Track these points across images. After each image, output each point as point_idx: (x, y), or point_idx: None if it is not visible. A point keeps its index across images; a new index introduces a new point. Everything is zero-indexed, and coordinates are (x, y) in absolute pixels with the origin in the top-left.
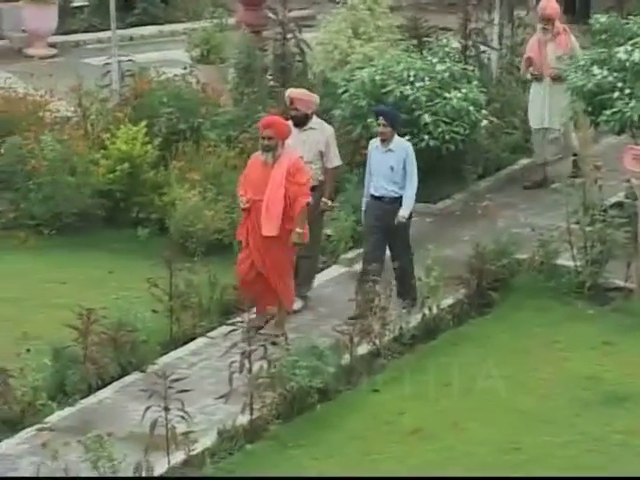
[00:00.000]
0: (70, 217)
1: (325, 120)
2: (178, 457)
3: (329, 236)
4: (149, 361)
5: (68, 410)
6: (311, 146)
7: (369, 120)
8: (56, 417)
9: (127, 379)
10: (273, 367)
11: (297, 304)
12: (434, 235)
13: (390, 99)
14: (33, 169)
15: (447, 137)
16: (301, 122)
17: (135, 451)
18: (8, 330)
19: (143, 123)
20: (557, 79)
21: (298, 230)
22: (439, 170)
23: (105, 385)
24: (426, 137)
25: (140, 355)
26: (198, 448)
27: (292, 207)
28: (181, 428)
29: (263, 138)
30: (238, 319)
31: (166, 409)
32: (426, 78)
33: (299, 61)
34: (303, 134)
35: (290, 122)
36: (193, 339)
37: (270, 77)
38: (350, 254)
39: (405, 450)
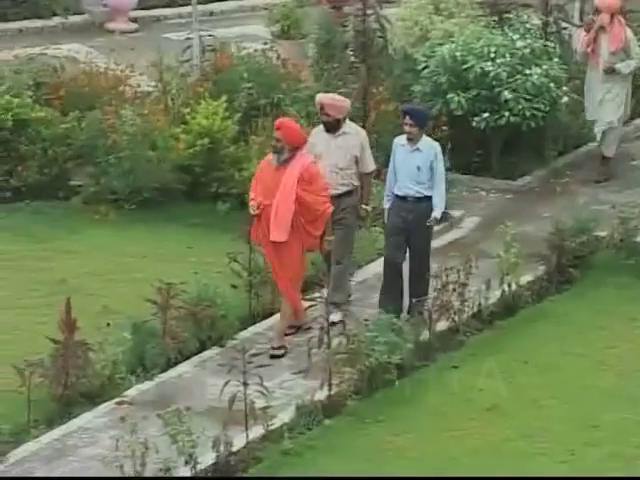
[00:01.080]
0: (150, 192)
1: (405, 97)
2: (256, 432)
3: None
4: (228, 336)
5: (147, 384)
6: (346, 151)
7: (449, 96)
8: (135, 391)
9: (206, 354)
10: (352, 343)
11: (335, 315)
12: (513, 212)
13: (470, 75)
14: (114, 144)
15: (527, 114)
16: (333, 127)
17: (214, 426)
18: (88, 304)
19: (223, 98)
20: (610, 72)
21: (328, 238)
22: (519, 147)
23: (184, 359)
24: (506, 114)
25: (219, 330)
26: (276, 423)
27: (308, 214)
28: (260, 403)
29: (272, 138)
30: (317, 294)
31: (245, 384)
32: (507, 54)
33: (380, 37)
34: (337, 140)
35: (321, 126)
36: (272, 314)
37: (350, 53)
38: None
39: (482, 427)
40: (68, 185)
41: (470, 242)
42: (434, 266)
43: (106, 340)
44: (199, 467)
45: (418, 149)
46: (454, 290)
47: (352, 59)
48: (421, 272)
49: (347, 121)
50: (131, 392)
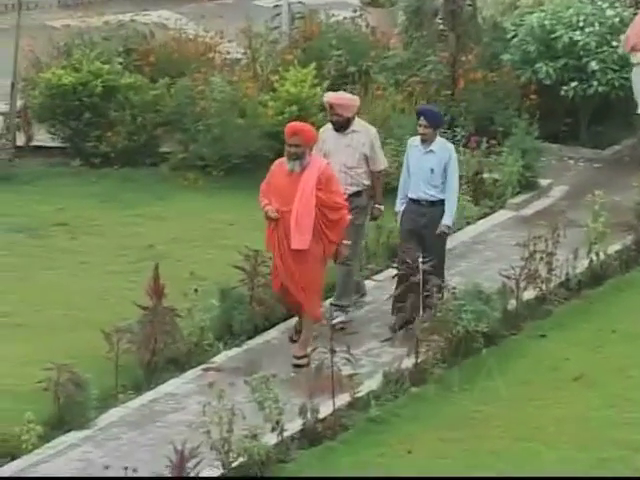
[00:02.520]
0: (239, 159)
1: (493, 65)
2: (343, 399)
3: (496, 180)
4: None
5: (234, 351)
6: (355, 150)
7: (537, 65)
8: (222, 357)
9: (293, 320)
10: (439, 311)
11: (340, 317)
12: (602, 181)
13: (559, 44)
14: (202, 110)
15: (616, 84)
16: (343, 126)
17: (300, 393)
18: (177, 270)
19: (312, 65)
20: None
21: (346, 242)
22: (608, 116)
23: (271, 326)
24: (595, 83)
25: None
26: (363, 390)
27: (327, 220)
28: (346, 370)
29: (290, 145)
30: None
31: (332, 351)
32: (596, 23)
33: (469, 5)
34: (346, 138)
35: (329, 125)
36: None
37: (439, 21)
38: (517, 199)
39: (569, 396)
40: (157, 152)
41: (558, 211)
42: (521, 235)
43: (194, 306)
44: (286, 434)
45: (432, 151)
46: (541, 259)
47: (441, 27)
48: (437, 275)
49: (357, 119)
50: (218, 358)
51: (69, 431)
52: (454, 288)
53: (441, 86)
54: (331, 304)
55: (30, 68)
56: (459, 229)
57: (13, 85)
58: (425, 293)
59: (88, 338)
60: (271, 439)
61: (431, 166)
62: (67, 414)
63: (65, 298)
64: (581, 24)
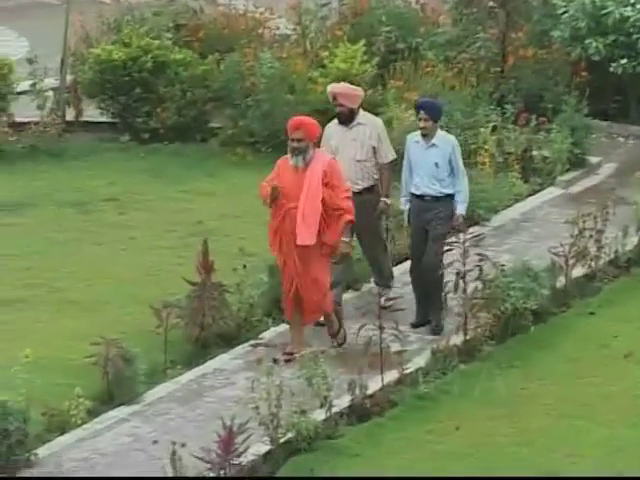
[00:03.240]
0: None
1: (543, 42)
2: (391, 376)
3: (545, 158)
4: (364, 279)
5: (283, 326)
6: (363, 143)
7: (587, 41)
8: (271, 333)
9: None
10: (488, 288)
11: (387, 294)
12: None
13: (609, 21)
14: (252, 86)
15: None
16: (347, 118)
17: (349, 369)
18: (226, 246)
19: (362, 42)
20: None
21: (345, 239)
22: None
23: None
24: None
25: (355, 274)
26: (411, 367)
27: (331, 215)
28: (395, 347)
29: (292, 140)
30: (453, 239)
31: (380, 328)
32: None
33: None
34: (352, 131)
35: (335, 120)
36: (407, 259)
37: None
38: (566, 176)
39: (618, 373)
40: (206, 127)
41: (607, 188)
42: (570, 212)
43: (242, 282)
44: (334, 410)
45: (434, 145)
46: (591, 236)
47: (491, 3)
48: (436, 269)
49: (361, 111)
50: (267, 334)
51: (118, 406)
52: (503, 265)
53: (490, 63)
54: (376, 283)
55: (80, 43)
56: (508, 206)
57: (63, 61)
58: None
59: (137, 313)
60: (319, 415)
61: (435, 160)
62: (116, 389)
63: (114, 273)
64: (632, 0)
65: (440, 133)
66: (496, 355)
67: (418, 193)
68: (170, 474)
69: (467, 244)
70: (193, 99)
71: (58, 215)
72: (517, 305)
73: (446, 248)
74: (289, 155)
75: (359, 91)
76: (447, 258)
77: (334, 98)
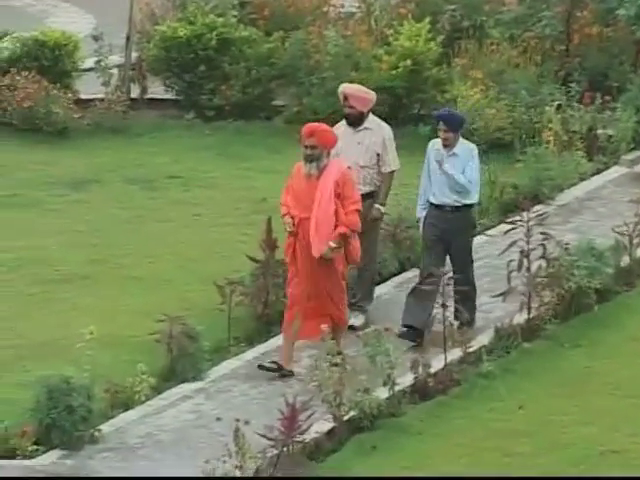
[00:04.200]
0: None
1: (609, 20)
2: (455, 354)
3: (610, 136)
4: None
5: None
6: (367, 148)
7: None
8: None
9: (405, 275)
10: (552, 267)
11: (358, 319)
12: None
13: None
14: (316, 64)
15: None
16: (356, 121)
17: (412, 347)
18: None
19: (426, 20)
20: None
21: (332, 244)
22: None
23: (383, 280)
24: None
25: (418, 252)
26: (475, 345)
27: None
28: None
29: (305, 147)
30: (517, 218)
31: (443, 306)
32: None
33: None
34: (358, 135)
35: (343, 121)
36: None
37: None
38: (631, 155)
39: None
40: (271, 105)
41: None
42: (635, 191)
43: None
44: (397, 388)
45: (455, 154)
46: None
47: None
48: (466, 282)
49: (371, 116)
50: None
51: (181, 383)
52: (567, 244)
53: (555, 41)
54: (351, 304)
55: (145, 21)
56: (572, 185)
57: (128, 38)
58: (455, 305)
59: (201, 291)
60: (382, 393)
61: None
62: (179, 366)
63: (178, 250)
64: None
65: (462, 142)
66: (560, 334)
67: (437, 203)
68: (233, 451)
69: (531, 223)
70: (257, 77)
71: (122, 192)
72: (581, 284)
73: (510, 227)
74: (302, 162)
75: (371, 95)
76: (511, 237)
77: (345, 99)
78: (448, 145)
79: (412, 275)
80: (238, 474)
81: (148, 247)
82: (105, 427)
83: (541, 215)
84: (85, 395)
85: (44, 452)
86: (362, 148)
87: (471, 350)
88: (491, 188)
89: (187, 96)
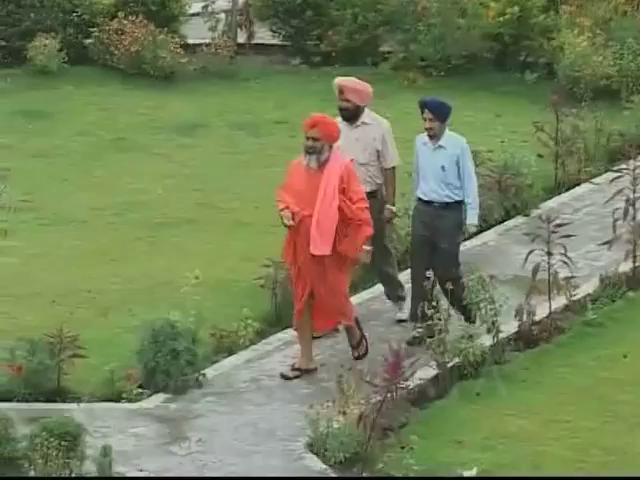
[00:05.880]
0: (459, 59)
1: None
2: (559, 302)
3: None
4: (533, 205)
5: None
6: (366, 144)
7: None
8: None
9: (511, 222)
10: None
11: (403, 312)
12: None
13: None
14: (423, 10)
15: None
16: (352, 116)
17: (517, 294)
18: (396, 170)
19: None
20: None
21: (366, 247)
22: None
23: (489, 227)
24: None
25: (524, 199)
26: (579, 294)
27: (348, 225)
28: (563, 273)
29: (307, 138)
30: (623, 166)
31: (549, 254)
32: None
33: None
34: (355, 131)
35: (339, 117)
36: (577, 185)
37: None
38: None
39: None
40: (377, 51)
41: None
42: None
43: (411, 206)
44: (501, 335)
45: (441, 147)
46: None
47: None
48: (454, 289)
49: (367, 110)
50: None
51: (285, 328)
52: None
53: None
54: (387, 296)
55: None
56: None
57: None
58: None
59: None
60: (486, 340)
61: (442, 163)
62: (284, 311)
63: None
64: None
65: (448, 134)
66: None
67: (425, 199)
68: (336, 397)
69: (637, 171)
70: (364, 23)
71: (229, 137)
72: None
73: (616, 175)
74: (302, 154)
75: (368, 88)
76: (617, 185)
77: (340, 92)
78: (433, 136)
79: (517, 222)
80: (341, 419)
81: (254, 192)
82: (210, 371)
83: None
84: (190, 339)
85: (149, 395)
86: (361, 145)
87: (576, 298)
88: (597, 135)
89: (294, 42)
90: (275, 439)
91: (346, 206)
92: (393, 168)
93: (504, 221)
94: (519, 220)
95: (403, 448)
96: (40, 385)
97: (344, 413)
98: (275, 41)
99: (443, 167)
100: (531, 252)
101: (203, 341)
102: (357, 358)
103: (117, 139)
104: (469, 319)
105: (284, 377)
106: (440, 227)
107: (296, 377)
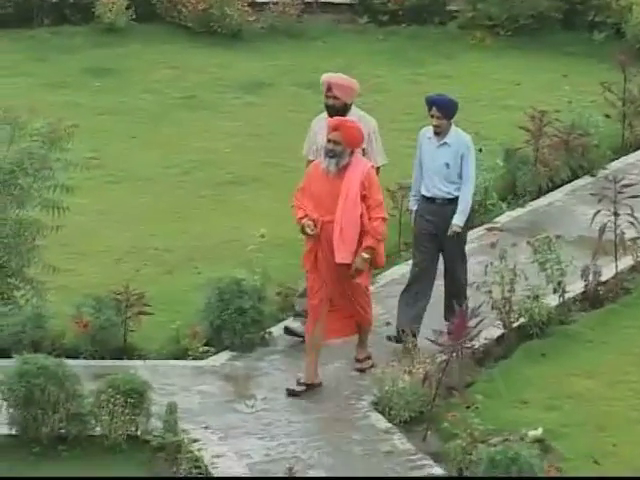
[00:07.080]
0: (526, 19)
1: None
2: (626, 262)
3: None
4: (600, 165)
5: (518, 211)
6: None
7: None
8: (506, 217)
9: (577, 182)
10: None
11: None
12: None
13: None
14: None
15: None
16: (339, 113)
17: (583, 254)
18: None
19: None
20: None
21: (365, 255)
22: None
23: (555, 187)
24: None
25: (591, 159)
26: None
27: (366, 233)
28: (630, 233)
29: (328, 141)
30: None
31: (615, 214)
32: None
33: None
34: None
35: (324, 114)
36: None
37: None
38: None
39: None
40: (445, 10)
41: None
42: None
43: (479, 166)
44: (567, 295)
45: (446, 143)
46: None
47: None
48: (459, 286)
49: (354, 108)
50: (502, 219)
51: None
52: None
53: None
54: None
55: None
56: None
57: None
58: (445, 302)
59: None
60: (552, 300)
61: (446, 160)
62: None
63: None
64: None
65: (454, 131)
66: None
67: (428, 195)
68: (400, 357)
69: None
70: None
71: (296, 96)
72: None
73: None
74: (322, 157)
75: (356, 85)
76: None
77: (328, 89)
78: (440, 133)
79: (583, 183)
80: (407, 379)
81: None
82: (275, 330)
83: None
84: (256, 297)
85: (214, 353)
86: None
87: None
88: None
89: (361, 0)
90: (340, 398)
91: (364, 214)
92: (378, 168)
93: (571, 181)
94: (586, 180)
95: (468, 407)
96: (106, 342)
97: (410, 372)
98: (343, 0)
99: (447, 164)
100: (598, 212)
101: (269, 299)
102: (358, 371)
103: (185, 97)
104: (446, 318)
105: (290, 392)
106: (445, 223)
107: (302, 392)
